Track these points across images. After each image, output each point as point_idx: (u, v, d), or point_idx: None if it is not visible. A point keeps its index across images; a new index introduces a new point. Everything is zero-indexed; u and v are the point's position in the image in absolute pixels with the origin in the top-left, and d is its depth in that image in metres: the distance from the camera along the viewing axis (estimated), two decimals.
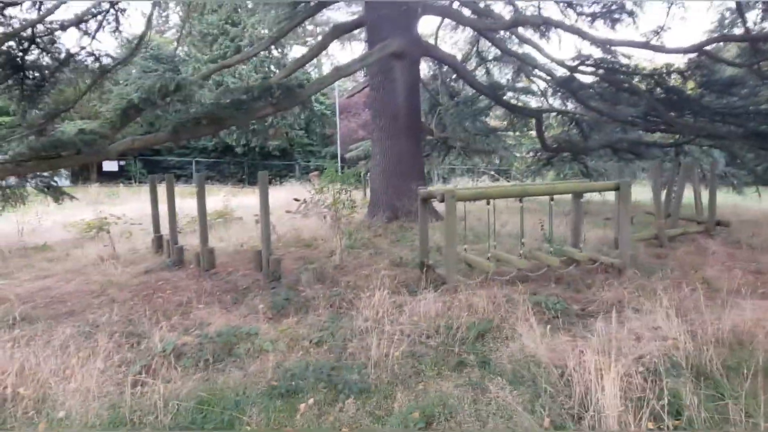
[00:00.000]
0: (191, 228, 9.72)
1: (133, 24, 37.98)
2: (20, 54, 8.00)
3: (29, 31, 7.88)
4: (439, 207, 11.08)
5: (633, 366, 2.68)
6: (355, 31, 18.69)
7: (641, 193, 14.92)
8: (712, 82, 9.44)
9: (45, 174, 7.52)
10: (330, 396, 2.93)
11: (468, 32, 15.75)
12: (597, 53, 10.90)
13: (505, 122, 19.04)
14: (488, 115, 15.78)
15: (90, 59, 8.65)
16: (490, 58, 15.86)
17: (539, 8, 12.17)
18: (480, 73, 15.89)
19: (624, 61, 10.60)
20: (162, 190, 7.95)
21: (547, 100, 14.84)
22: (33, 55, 8.37)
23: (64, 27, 8.25)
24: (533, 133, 26.93)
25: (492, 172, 29.66)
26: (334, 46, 29.38)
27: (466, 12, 12.27)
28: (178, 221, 10.00)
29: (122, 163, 28.26)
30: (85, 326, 4.13)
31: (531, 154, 19.05)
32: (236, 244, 8.16)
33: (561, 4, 10.98)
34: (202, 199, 6.16)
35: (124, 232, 9.76)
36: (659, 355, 2.93)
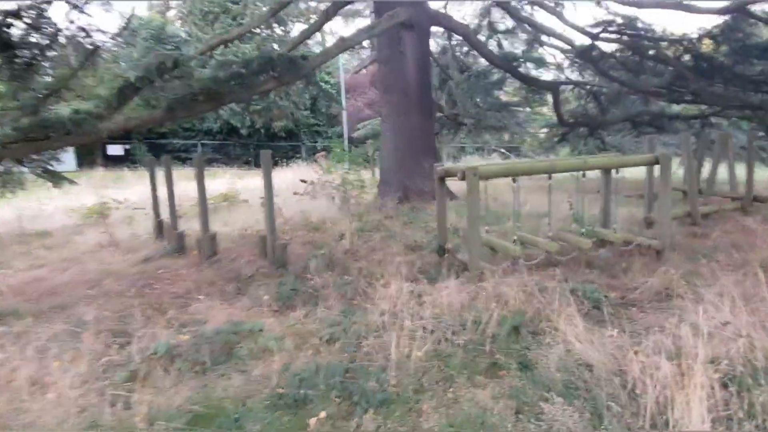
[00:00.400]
0: (194, 212, 9.31)
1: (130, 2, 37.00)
2: (6, 29, 7.53)
3: (13, 4, 7.39)
4: (454, 186, 10.58)
5: (709, 373, 2.22)
6: (361, 7, 17.91)
7: None
8: (748, 46, 8.71)
9: (39, 157, 7.13)
10: (344, 407, 2.51)
11: (477, 4, 14.94)
12: (619, 19, 10.17)
13: (517, 98, 18.34)
14: (501, 89, 15.07)
15: (81, 34, 8.16)
16: (501, 30, 15.07)
17: None
18: (491, 46, 15.13)
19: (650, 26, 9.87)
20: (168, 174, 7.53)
21: (563, 73, 14.10)
22: (20, 30, 7.89)
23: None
24: (545, 109, 26.10)
25: (502, 150, 28.93)
26: (339, 25, 28.50)
27: None
28: (181, 205, 9.63)
29: (128, 146, 27.89)
30: (72, 323, 3.74)
31: (545, 130, 18.37)
32: (241, 229, 7.75)
33: None
34: (201, 182, 5.73)
35: (126, 217, 9.38)
36: (737, 358, 2.46)
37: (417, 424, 2.31)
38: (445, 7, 14.70)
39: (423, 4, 9.78)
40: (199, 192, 5.76)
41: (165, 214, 7.51)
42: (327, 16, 10.53)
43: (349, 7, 14.79)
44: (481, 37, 15.27)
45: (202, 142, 28.06)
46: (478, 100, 14.82)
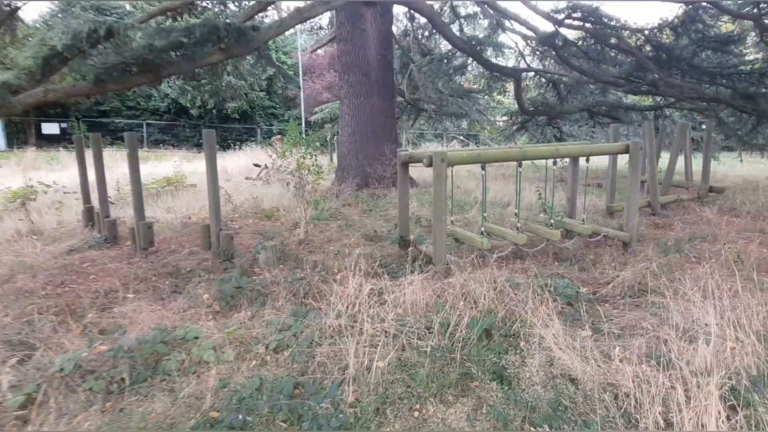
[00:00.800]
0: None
1: None
2: None
3: None
4: (413, 172, 10.23)
5: (709, 387, 1.95)
6: None
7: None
8: (708, 38, 8.80)
9: None
10: None
11: None
12: (583, 5, 10.04)
13: (477, 85, 18.20)
14: (464, 74, 14.82)
15: None
16: (463, 14, 14.77)
17: None
18: (453, 30, 14.79)
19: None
20: (110, 154, 6.70)
21: (524, 60, 13.99)
22: None
23: None
24: (505, 98, 26.20)
25: (461, 137, 28.97)
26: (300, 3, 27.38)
27: None
28: (121, 190, 8.77)
29: (64, 125, 25.81)
30: None
31: (505, 118, 18.35)
32: (185, 216, 7.08)
33: None
34: (134, 164, 5.05)
35: (54, 202, 8.43)
36: (730, 365, 2.22)
37: None
38: None
39: None
40: (131, 175, 5.09)
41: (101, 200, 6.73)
42: None
43: None
44: (444, 21, 14.92)
45: (148, 122, 26.37)
46: (440, 85, 14.50)
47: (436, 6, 15.13)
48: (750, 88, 9.14)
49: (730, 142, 12.45)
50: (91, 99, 25.43)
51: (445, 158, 3.80)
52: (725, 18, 8.59)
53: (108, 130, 23.62)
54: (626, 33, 9.71)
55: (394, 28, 13.61)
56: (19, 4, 7.60)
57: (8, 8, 7.39)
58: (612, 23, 9.31)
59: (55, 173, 12.09)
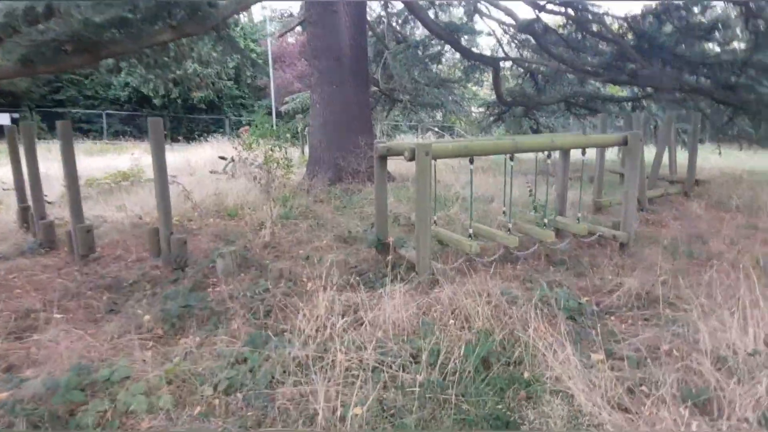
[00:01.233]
0: (85, 195, 7.71)
1: None
2: None
3: None
4: (391, 166, 9.70)
5: None
6: None
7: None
8: (692, 25, 8.54)
9: None
10: None
11: None
12: None
13: (454, 74, 17.78)
14: (440, 62, 14.33)
15: None
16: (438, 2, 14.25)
17: None
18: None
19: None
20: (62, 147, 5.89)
21: (503, 49, 13.60)
22: None
23: None
24: (480, 90, 25.84)
25: (436, 129, 28.60)
26: None
27: None
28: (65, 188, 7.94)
29: (15, 115, 24.13)
30: None
31: (482, 109, 18.01)
32: (137, 216, 6.37)
33: None
34: (69, 156, 4.35)
35: None
36: None
37: None
38: None
39: None
40: (65, 169, 4.38)
41: (47, 197, 5.95)
42: None
43: None
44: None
45: (108, 112, 24.94)
46: (415, 74, 13.98)
47: None
48: (731, 78, 8.96)
49: (703, 135, 12.40)
50: (45, 88, 23.85)
51: (430, 151, 3.29)
52: (714, 2, 8.32)
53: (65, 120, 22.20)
54: (609, 20, 9.39)
55: (368, 16, 13.00)
56: None
57: None
58: (595, 9, 8.96)
59: (2, 167, 11.06)
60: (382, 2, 13.24)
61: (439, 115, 28.65)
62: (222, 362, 2.49)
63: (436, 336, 2.63)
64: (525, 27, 9.81)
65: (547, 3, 9.04)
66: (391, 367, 2.40)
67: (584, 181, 8.82)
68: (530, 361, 2.48)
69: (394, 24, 14.61)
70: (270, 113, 23.04)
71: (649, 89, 11.60)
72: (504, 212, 4.66)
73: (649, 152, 8.39)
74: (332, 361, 2.38)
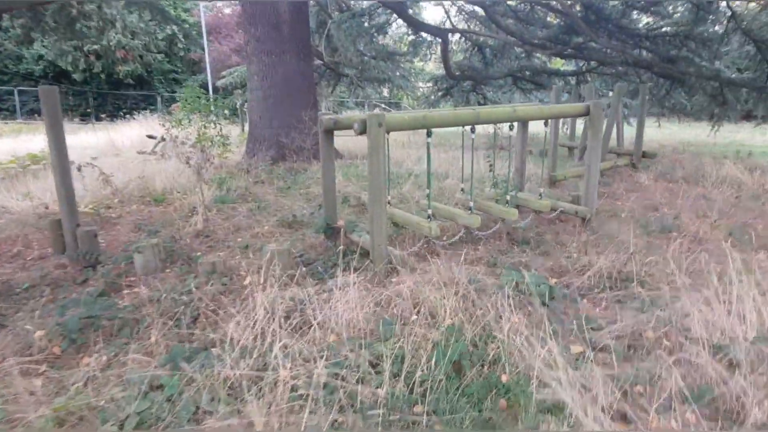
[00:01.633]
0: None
1: None
2: None
3: None
4: (338, 142, 9.16)
5: None
6: None
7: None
8: None
9: None
10: None
11: None
12: None
13: (401, 47, 17.23)
14: (387, 33, 13.74)
15: None
16: None
17: None
18: None
19: None
20: None
21: (450, 22, 13.21)
22: None
23: None
24: (426, 65, 25.43)
25: (383, 105, 28.11)
26: None
27: None
28: None
29: None
30: None
31: (429, 84, 17.65)
32: (44, 205, 5.50)
33: None
34: None
35: None
36: None
37: None
38: None
39: None
40: None
41: None
42: None
43: None
44: None
45: (21, 88, 22.36)
46: (361, 46, 13.31)
47: None
48: (672, 51, 9.09)
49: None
50: None
51: (384, 122, 2.84)
52: None
53: None
54: None
55: None
56: None
57: None
58: None
59: None
60: None
61: (385, 91, 28.11)
62: (132, 390, 1.97)
63: (399, 338, 2.24)
64: None
65: None
66: (347, 381, 1.98)
67: (534, 155, 8.74)
68: (507, 360, 2.15)
69: None
70: (206, 89, 21.52)
71: (593, 63, 11.69)
72: (462, 189, 4.33)
73: None
74: (274, 380, 1.93)
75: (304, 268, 3.35)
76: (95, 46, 21.89)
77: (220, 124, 7.66)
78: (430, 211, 3.42)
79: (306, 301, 2.64)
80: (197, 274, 3.30)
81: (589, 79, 12.76)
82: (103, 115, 18.44)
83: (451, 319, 2.43)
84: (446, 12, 12.57)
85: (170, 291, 2.95)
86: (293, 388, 1.91)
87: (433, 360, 2.09)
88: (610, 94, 14.67)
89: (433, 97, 16.46)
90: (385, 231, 3.06)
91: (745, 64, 10.86)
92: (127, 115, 16.95)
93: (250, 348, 2.17)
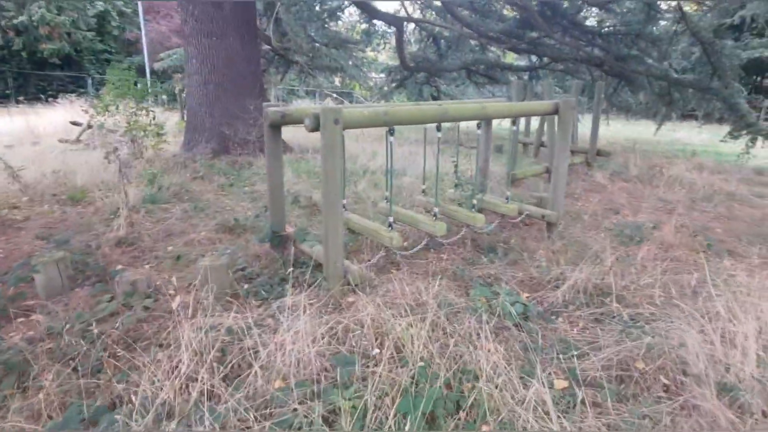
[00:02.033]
0: None
1: None
2: None
3: None
4: (288, 134, 8.58)
5: None
6: None
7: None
8: None
9: None
10: None
11: None
12: None
13: (354, 34, 16.69)
14: (339, 19, 13.15)
15: None
16: None
17: None
18: None
19: None
20: None
21: (405, 11, 12.83)
22: None
23: None
24: (380, 54, 24.95)
25: (335, 95, 27.44)
26: None
27: None
28: None
29: None
30: None
31: (383, 75, 17.23)
32: None
33: None
34: None
35: None
36: None
37: None
38: None
39: None
40: None
41: None
42: None
43: None
44: None
45: None
46: (312, 32, 12.67)
47: None
48: (624, 50, 9.19)
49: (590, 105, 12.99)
50: None
51: (341, 119, 2.41)
52: None
53: None
54: None
55: None
56: None
57: None
58: None
59: None
60: None
61: (337, 81, 27.39)
62: None
63: (358, 383, 1.85)
64: None
65: None
66: None
67: (492, 152, 8.58)
68: (489, 407, 1.81)
69: None
70: (143, 72, 19.98)
71: (545, 59, 11.71)
72: (424, 191, 3.98)
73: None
74: None
75: (245, 286, 2.88)
76: (14, 21, 19.77)
77: (153, 111, 6.93)
78: (390, 219, 3.04)
79: (246, 332, 2.20)
80: (114, 296, 2.76)
81: (541, 74, 12.83)
82: (21, 98, 16.63)
83: (420, 352, 2.07)
84: (401, 2, 12.16)
85: (76, 320, 2.40)
86: None
87: (402, 412, 1.72)
88: (558, 90, 14.88)
89: (386, 88, 16.07)
90: (342, 245, 2.65)
91: (682, 65, 11.27)
92: (50, 98, 15.38)
93: (170, 406, 1.70)
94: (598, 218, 4.60)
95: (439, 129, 3.16)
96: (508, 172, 6.09)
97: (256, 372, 1.91)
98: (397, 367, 2.01)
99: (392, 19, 10.69)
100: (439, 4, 10.30)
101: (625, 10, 8.58)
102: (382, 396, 1.80)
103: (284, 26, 12.15)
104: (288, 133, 8.27)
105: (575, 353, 2.26)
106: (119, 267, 3.23)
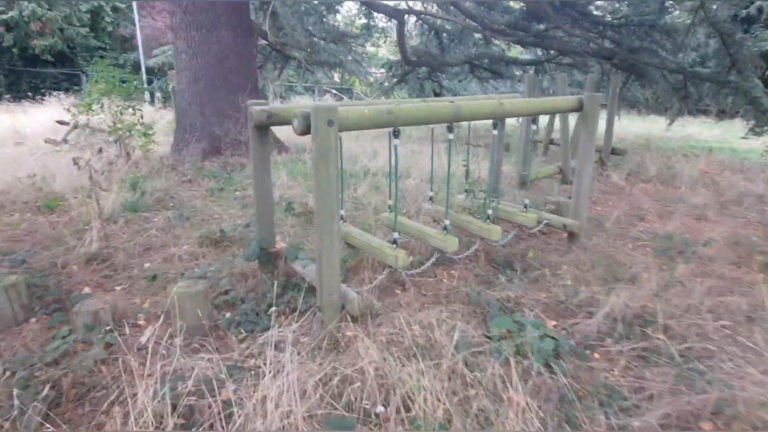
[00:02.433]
0: None
1: None
2: None
3: None
4: (283, 133, 8.17)
5: None
6: None
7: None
8: None
9: None
10: None
11: None
12: None
13: (353, 28, 16.24)
14: (338, 12, 12.69)
15: None
16: None
17: None
18: None
19: None
20: None
21: (406, 3, 12.36)
22: None
23: None
24: (380, 49, 24.49)
25: (334, 91, 26.98)
26: None
27: None
28: None
29: None
30: None
31: (383, 70, 16.77)
32: None
33: None
34: None
35: None
36: None
37: None
38: None
39: None
40: None
41: None
42: None
43: None
44: None
45: None
46: (310, 27, 12.21)
47: None
48: (636, 42, 8.74)
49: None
50: None
51: (336, 120, 2.00)
52: None
53: None
54: None
55: None
56: None
57: None
58: None
59: None
60: None
61: (336, 76, 26.90)
62: None
63: None
64: None
65: None
66: None
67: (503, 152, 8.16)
68: None
69: None
70: (138, 68, 19.53)
71: (552, 53, 11.27)
72: (431, 198, 3.57)
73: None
74: None
75: (227, 315, 2.48)
76: (4, 16, 19.32)
77: (140, 109, 6.51)
78: (395, 235, 2.63)
79: (224, 379, 1.80)
80: (73, 328, 2.36)
81: (548, 68, 12.39)
82: (8, 96, 16.21)
83: (435, 411, 1.66)
84: None
85: (21, 364, 2.00)
86: None
87: None
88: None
89: (386, 83, 15.64)
90: (338, 273, 2.24)
91: (689, 59, 10.81)
92: (38, 96, 14.97)
93: None
94: (622, 225, 4.18)
95: (450, 130, 2.74)
96: (518, 173, 5.68)
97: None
98: (406, 430, 1.61)
99: (393, 12, 10.24)
100: None
101: (638, 0, 8.13)
102: None
103: (281, 20, 11.71)
104: (284, 131, 7.85)
105: (620, 403, 1.86)
106: (86, 289, 2.83)
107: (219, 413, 1.63)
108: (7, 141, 8.69)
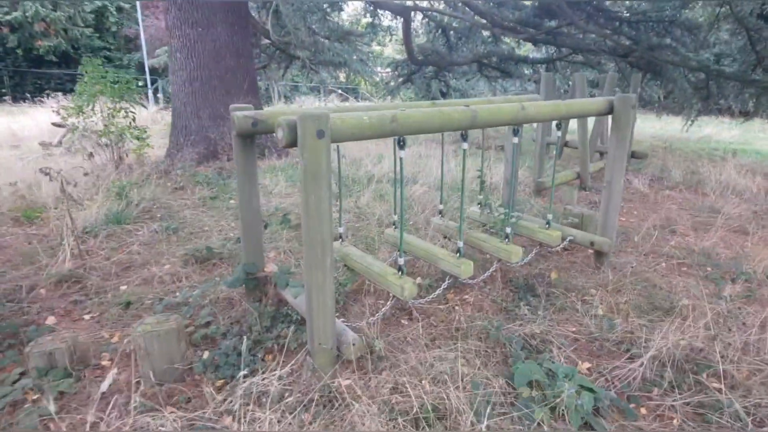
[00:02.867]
0: None
1: None
2: None
3: None
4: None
5: None
6: None
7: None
8: None
9: None
10: None
11: None
12: None
13: (358, 27, 15.88)
14: (342, 9, 12.34)
15: None
16: None
17: None
18: None
19: None
20: None
21: (413, 0, 11.96)
22: None
23: None
24: (385, 48, 24.12)
25: (340, 91, 26.66)
26: None
27: None
28: None
29: None
30: None
31: (388, 69, 16.40)
32: None
33: None
34: None
35: None
36: None
37: None
38: None
39: None
40: None
41: None
42: None
43: None
44: None
45: None
46: (314, 25, 11.87)
47: None
48: (654, 39, 8.29)
49: None
50: None
51: (327, 130, 1.64)
52: None
53: None
54: None
55: None
56: None
57: None
58: None
59: None
60: None
61: (342, 76, 26.57)
62: None
63: None
64: None
65: None
66: None
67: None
68: None
69: None
70: (142, 69, 19.32)
71: (564, 51, 10.85)
72: (441, 212, 3.20)
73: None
74: None
75: (205, 354, 2.13)
76: (8, 17, 19.19)
77: (133, 111, 6.18)
78: (401, 261, 2.25)
79: None
80: (26, 370, 2.02)
81: (559, 67, 11.95)
82: (6, 98, 16.03)
83: None
84: None
85: None
86: None
87: None
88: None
89: (392, 83, 15.26)
90: (332, 314, 1.87)
91: (705, 56, 10.32)
92: (37, 97, 14.76)
93: None
94: (653, 239, 3.78)
95: (465, 137, 2.37)
96: (533, 179, 5.29)
97: None
98: None
99: (399, 9, 9.87)
100: None
101: None
102: None
103: (284, 18, 11.37)
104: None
105: None
106: (50, 319, 2.49)
107: None
108: (4, 144, 8.44)
